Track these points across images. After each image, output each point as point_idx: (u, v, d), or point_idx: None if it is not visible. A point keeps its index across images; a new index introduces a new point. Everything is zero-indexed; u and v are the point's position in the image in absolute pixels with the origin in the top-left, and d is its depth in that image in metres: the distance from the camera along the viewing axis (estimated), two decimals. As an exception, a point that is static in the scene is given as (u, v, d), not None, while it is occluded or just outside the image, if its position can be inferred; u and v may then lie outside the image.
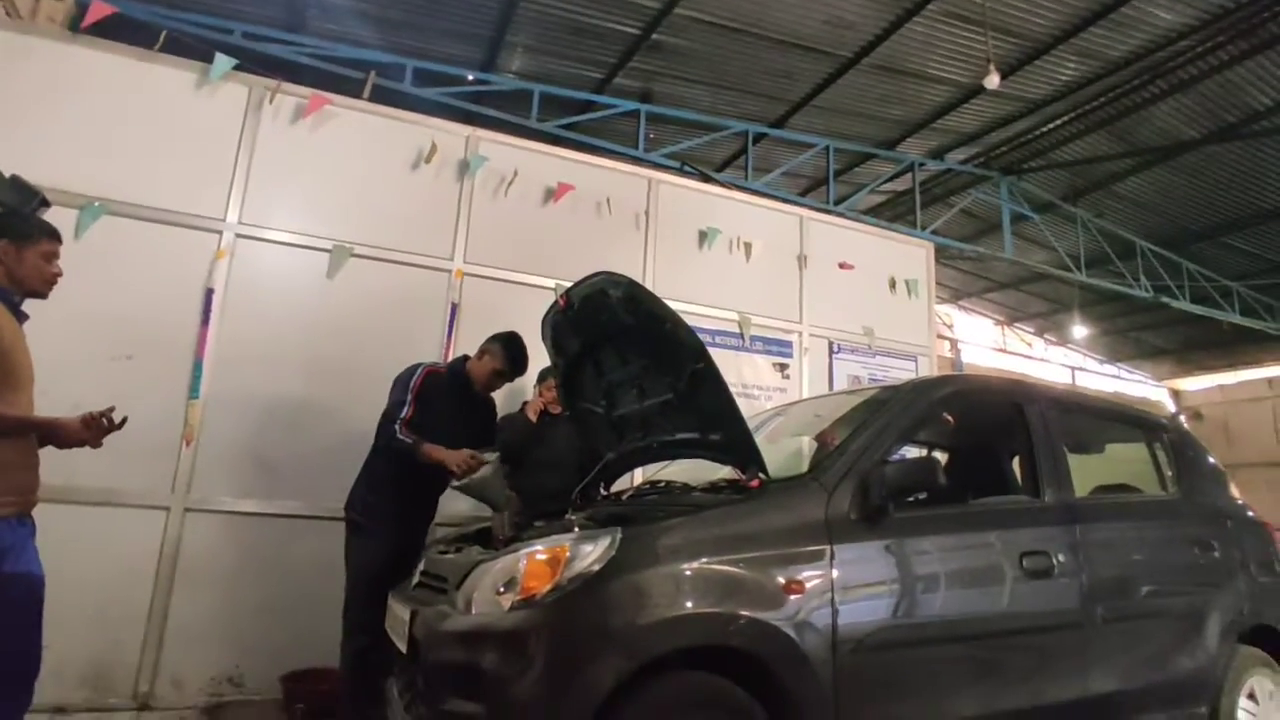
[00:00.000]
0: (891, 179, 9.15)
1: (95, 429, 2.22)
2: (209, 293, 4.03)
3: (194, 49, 4.55)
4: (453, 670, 2.10)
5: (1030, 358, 15.38)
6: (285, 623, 3.84)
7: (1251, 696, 3.28)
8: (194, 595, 3.74)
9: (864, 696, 2.35)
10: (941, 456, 4.09)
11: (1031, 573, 2.74)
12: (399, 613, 2.46)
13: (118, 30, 4.18)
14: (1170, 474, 3.64)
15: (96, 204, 3.84)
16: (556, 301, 3.15)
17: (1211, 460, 3.93)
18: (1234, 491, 3.88)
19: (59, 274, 2.37)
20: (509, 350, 3.59)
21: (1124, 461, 3.88)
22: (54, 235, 2.36)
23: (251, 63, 4.54)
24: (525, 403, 4.27)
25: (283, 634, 3.82)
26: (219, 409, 3.95)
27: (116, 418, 2.24)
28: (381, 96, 5.70)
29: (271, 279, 4.21)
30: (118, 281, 3.84)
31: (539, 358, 3.74)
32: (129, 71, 4.09)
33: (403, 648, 2.33)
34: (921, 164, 8.88)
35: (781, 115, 7.95)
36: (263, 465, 4.00)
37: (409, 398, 3.38)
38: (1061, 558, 2.83)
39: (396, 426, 3.32)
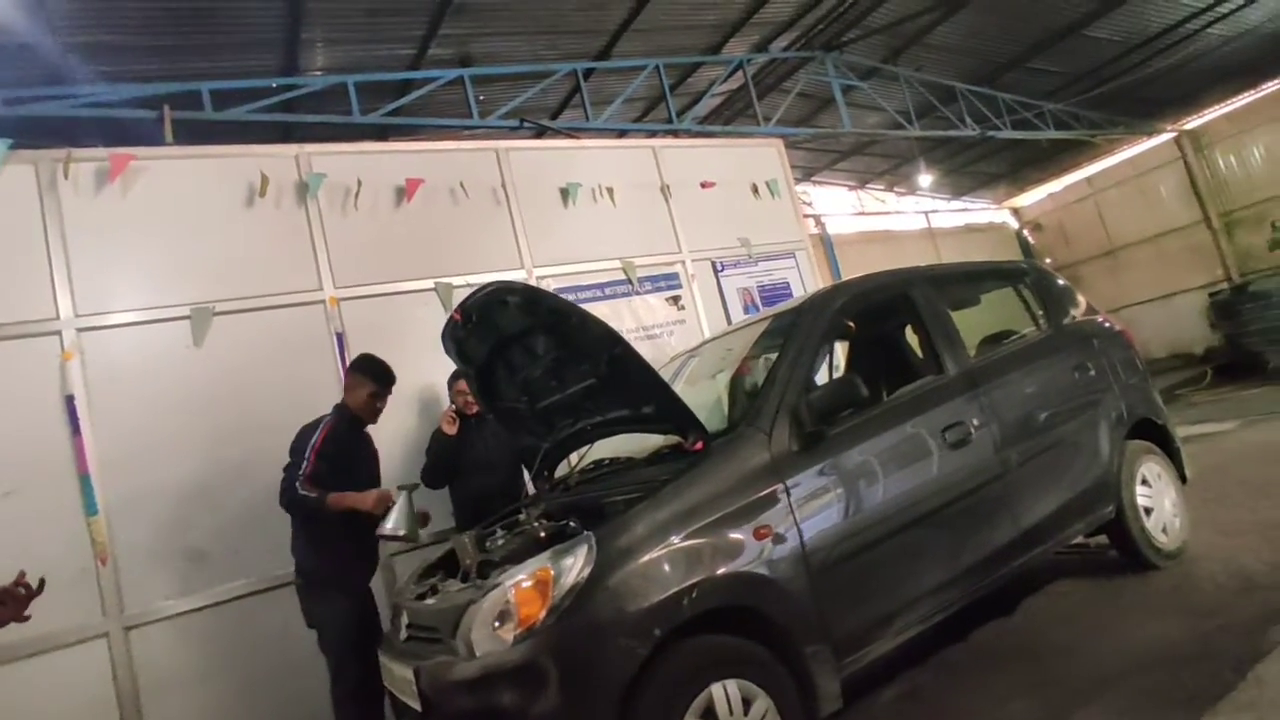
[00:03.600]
0: (725, 80, 9.23)
1: (15, 602, 2.06)
2: (70, 400, 3.68)
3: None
4: (473, 716, 2.15)
5: (886, 213, 16.20)
6: (273, 700, 3.74)
7: (1145, 483, 3.78)
8: (169, 711, 3.57)
9: (841, 601, 2.59)
10: (845, 349, 4.36)
11: (954, 444, 3.03)
12: (400, 672, 2.46)
13: None
14: (1040, 312, 4.03)
15: (-92, 346, 3.41)
16: (452, 317, 3.08)
17: (1068, 289, 4.35)
18: (1084, 304, 4.29)
19: None
20: (369, 369, 3.58)
21: (999, 308, 4.25)
22: None
23: (29, 135, 4.03)
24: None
25: (275, 712, 3.73)
26: (124, 516, 3.68)
27: (33, 582, 2.08)
28: (186, 130, 5.21)
29: (134, 364, 3.88)
30: (-36, 421, 3.46)
31: (446, 366, 3.69)
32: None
33: (416, 705, 2.34)
34: (749, 60, 8.99)
35: (604, 47, 7.80)
36: (192, 556, 3.79)
37: (309, 455, 3.27)
38: (975, 422, 3.13)
39: (298, 484, 3.21)
